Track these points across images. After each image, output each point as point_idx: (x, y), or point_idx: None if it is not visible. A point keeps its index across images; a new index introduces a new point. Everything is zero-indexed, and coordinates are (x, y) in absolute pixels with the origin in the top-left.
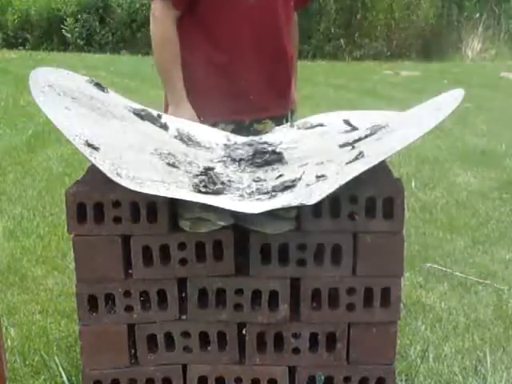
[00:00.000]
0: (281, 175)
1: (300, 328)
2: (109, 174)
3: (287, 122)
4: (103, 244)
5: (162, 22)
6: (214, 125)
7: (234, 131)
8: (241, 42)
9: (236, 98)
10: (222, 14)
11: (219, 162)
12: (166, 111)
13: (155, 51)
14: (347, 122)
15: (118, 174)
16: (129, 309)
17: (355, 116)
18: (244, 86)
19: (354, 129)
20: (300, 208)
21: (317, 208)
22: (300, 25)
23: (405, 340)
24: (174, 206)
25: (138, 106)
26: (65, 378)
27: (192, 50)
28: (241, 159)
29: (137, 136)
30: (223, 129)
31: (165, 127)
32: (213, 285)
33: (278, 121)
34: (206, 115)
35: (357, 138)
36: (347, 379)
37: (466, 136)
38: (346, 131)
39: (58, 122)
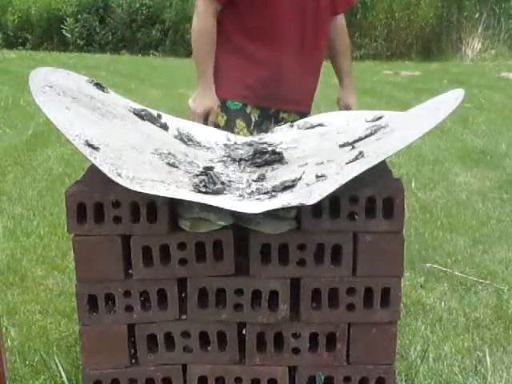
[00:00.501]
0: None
1: (300, 328)
2: (109, 174)
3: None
4: (103, 244)
5: (203, 16)
6: (243, 105)
7: (260, 115)
8: (279, 35)
9: (267, 86)
10: (260, 9)
11: (219, 162)
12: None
13: (193, 42)
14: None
15: (118, 174)
16: (129, 309)
17: (355, 116)
18: (276, 76)
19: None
20: (300, 208)
21: (317, 208)
22: None
23: (405, 340)
24: (174, 205)
25: (138, 106)
26: (65, 378)
27: (228, 39)
28: (241, 159)
29: (137, 136)
30: (250, 112)
31: (165, 127)
32: (213, 285)
33: (302, 116)
34: (237, 97)
35: (357, 138)
36: (347, 379)
37: (466, 136)
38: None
39: (58, 122)
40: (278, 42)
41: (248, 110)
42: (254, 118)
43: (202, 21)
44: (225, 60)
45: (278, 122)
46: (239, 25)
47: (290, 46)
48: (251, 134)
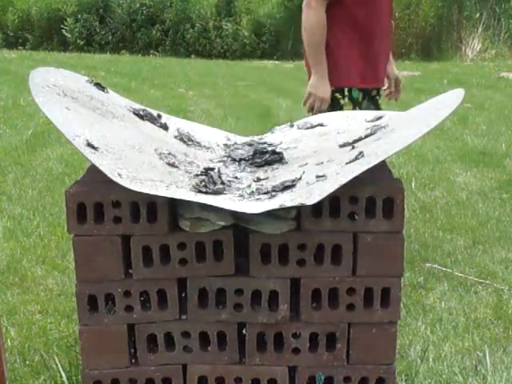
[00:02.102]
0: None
1: (300, 328)
2: (109, 174)
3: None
4: (103, 244)
5: (316, 10)
6: (348, 91)
7: (362, 97)
8: (374, 23)
9: (368, 69)
10: (367, 1)
11: (219, 161)
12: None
13: (309, 34)
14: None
15: (118, 174)
16: (129, 309)
17: (355, 116)
18: (373, 59)
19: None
20: (300, 208)
21: (317, 208)
22: (300, 25)
23: (405, 340)
24: (174, 205)
25: (138, 106)
26: (65, 378)
27: (334, 31)
28: (241, 159)
29: (137, 136)
30: (356, 96)
31: (165, 127)
32: (213, 285)
33: (379, 92)
34: (344, 83)
35: (357, 138)
36: (347, 379)
37: (466, 136)
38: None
39: (58, 122)
40: (377, 33)
41: (356, 94)
42: (359, 100)
43: (318, 13)
44: (338, 49)
45: (374, 100)
46: (346, 17)
47: (384, 35)
48: None
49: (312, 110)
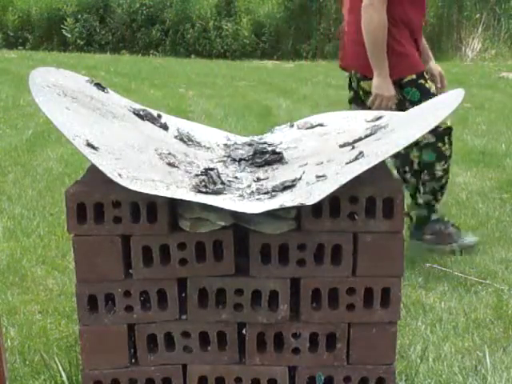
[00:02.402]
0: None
1: (300, 328)
2: (109, 174)
3: None
4: (103, 244)
5: (379, 11)
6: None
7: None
8: (419, 21)
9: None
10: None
11: (219, 161)
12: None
13: (372, 33)
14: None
15: (118, 174)
16: (129, 309)
17: (355, 116)
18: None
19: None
20: (300, 208)
21: (317, 208)
22: (300, 25)
23: (405, 340)
24: (174, 205)
25: (138, 106)
26: (65, 378)
27: (390, 29)
28: (241, 159)
29: (137, 136)
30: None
31: (165, 127)
32: (213, 285)
33: None
34: (405, 73)
35: (357, 138)
36: (347, 379)
37: (465, 136)
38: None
39: (58, 122)
40: (420, 30)
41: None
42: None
43: (381, 13)
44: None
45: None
46: (400, 15)
47: (421, 32)
48: None
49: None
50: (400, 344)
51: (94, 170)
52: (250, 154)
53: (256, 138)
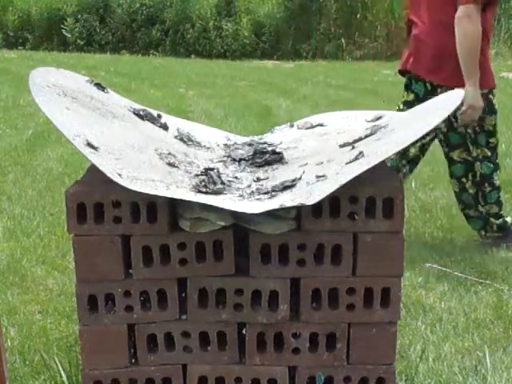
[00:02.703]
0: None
1: (300, 328)
2: (109, 174)
3: None
4: (103, 244)
5: (476, 23)
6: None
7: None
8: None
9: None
10: (490, 15)
11: (219, 161)
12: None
13: (469, 44)
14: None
15: (118, 174)
16: (129, 309)
17: (355, 116)
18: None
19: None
20: (300, 208)
21: (317, 208)
22: (300, 25)
23: (405, 340)
24: (174, 205)
25: (138, 106)
26: (65, 378)
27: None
28: (241, 159)
29: (137, 136)
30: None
31: (165, 127)
32: (213, 285)
33: None
34: (484, 86)
35: (357, 138)
36: (347, 379)
37: None
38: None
39: (58, 122)
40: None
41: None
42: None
43: (476, 24)
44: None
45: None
46: (485, 27)
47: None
48: None
49: (471, 121)
50: (400, 344)
51: (93, 170)
52: (250, 154)
53: (256, 138)
